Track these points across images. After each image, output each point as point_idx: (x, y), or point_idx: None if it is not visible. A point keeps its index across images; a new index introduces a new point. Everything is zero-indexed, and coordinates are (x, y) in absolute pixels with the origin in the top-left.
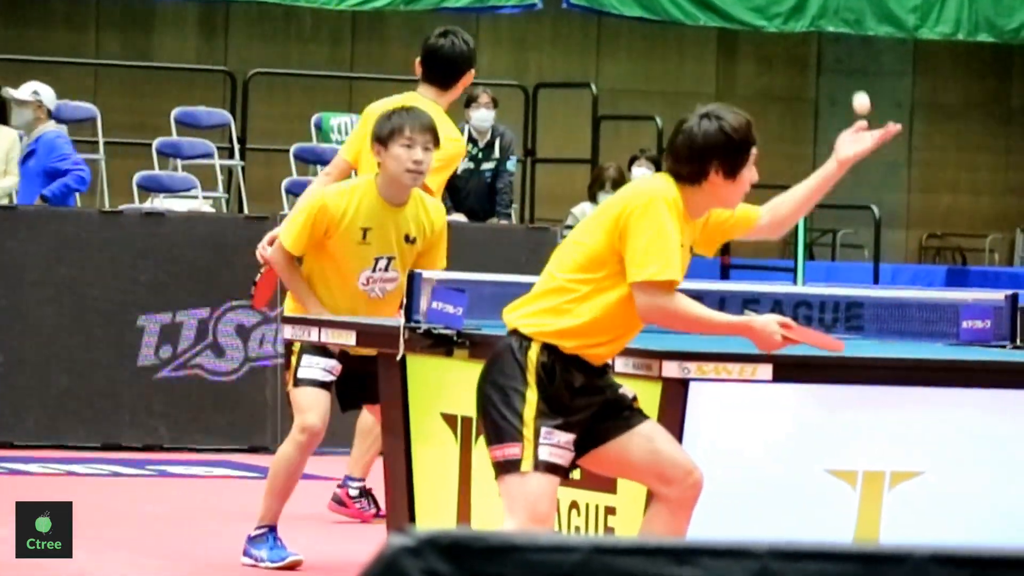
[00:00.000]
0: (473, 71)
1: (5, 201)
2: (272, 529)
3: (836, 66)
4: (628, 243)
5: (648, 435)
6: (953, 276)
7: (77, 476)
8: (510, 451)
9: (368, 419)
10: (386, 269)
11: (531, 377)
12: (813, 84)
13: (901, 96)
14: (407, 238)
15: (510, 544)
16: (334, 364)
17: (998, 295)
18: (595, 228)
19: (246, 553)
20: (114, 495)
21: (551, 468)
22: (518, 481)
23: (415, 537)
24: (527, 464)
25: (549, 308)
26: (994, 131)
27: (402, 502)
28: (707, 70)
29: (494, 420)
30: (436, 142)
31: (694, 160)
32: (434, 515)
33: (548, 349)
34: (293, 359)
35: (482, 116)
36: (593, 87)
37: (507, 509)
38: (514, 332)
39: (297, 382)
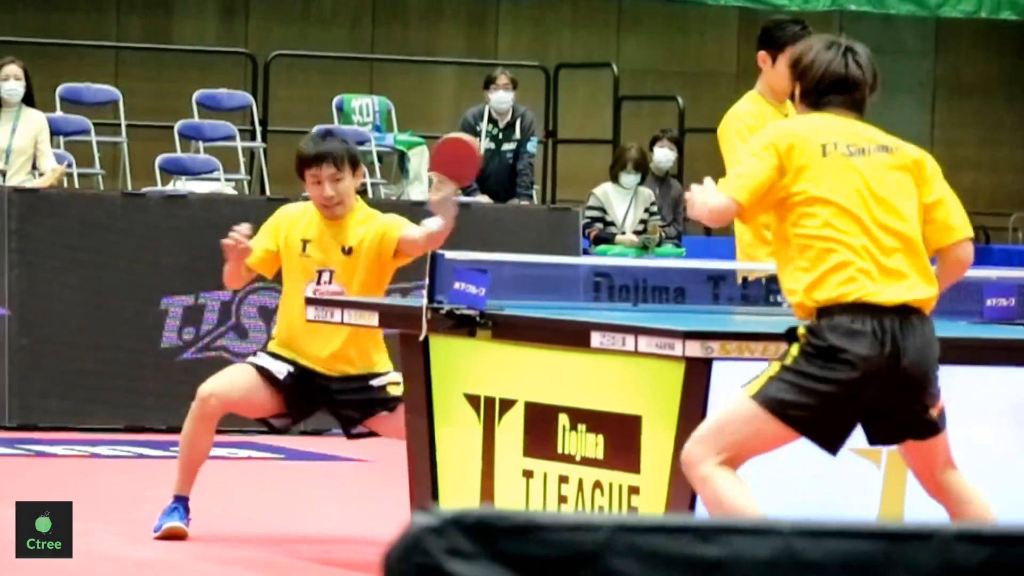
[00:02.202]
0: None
1: (50, 181)
2: (177, 499)
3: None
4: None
5: None
6: (976, 255)
7: (101, 458)
8: (942, 399)
9: None
10: (329, 282)
11: None
12: None
13: (923, 75)
14: (343, 249)
15: (534, 523)
16: (283, 366)
17: (1022, 273)
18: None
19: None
20: (138, 477)
21: None
22: None
23: (439, 516)
24: None
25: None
26: (1017, 109)
27: (425, 482)
28: (728, 50)
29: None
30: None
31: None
32: (457, 495)
33: None
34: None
35: (500, 98)
36: (614, 67)
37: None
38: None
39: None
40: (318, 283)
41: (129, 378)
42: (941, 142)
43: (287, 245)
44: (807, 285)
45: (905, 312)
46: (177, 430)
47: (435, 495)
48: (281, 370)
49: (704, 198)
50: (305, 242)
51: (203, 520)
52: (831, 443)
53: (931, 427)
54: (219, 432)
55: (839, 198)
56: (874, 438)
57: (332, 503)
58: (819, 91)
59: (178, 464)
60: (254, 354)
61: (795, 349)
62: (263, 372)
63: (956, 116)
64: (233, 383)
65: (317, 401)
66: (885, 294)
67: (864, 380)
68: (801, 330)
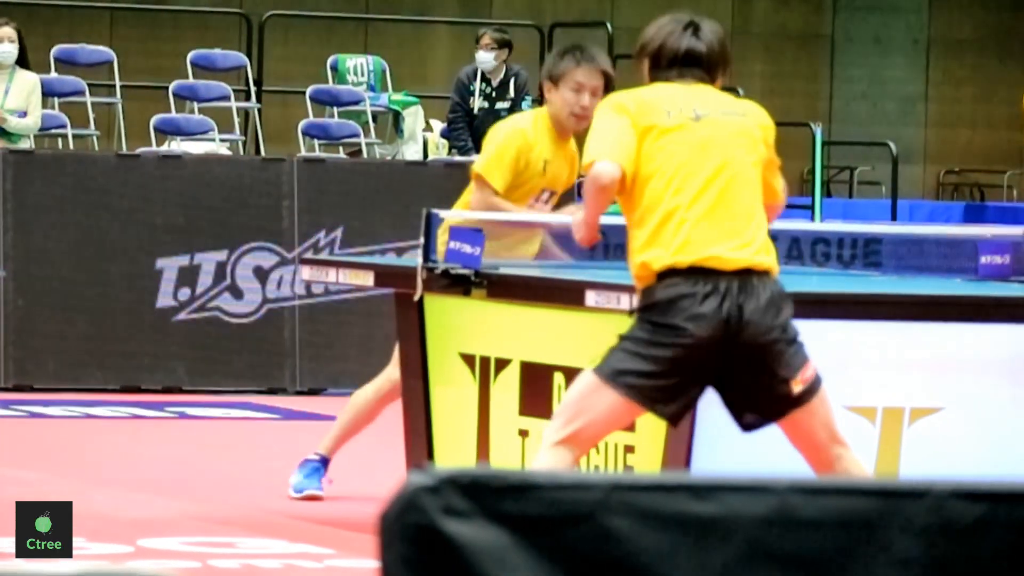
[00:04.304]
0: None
1: (25, 144)
2: (322, 460)
3: (852, 3)
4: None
5: None
6: (971, 212)
7: (97, 419)
8: (810, 372)
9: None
10: (547, 201)
11: None
12: (829, 21)
13: (917, 32)
14: (567, 172)
15: (529, 482)
16: None
17: (1017, 230)
18: (759, 148)
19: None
20: (134, 437)
21: None
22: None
23: (434, 475)
24: None
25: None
26: (1011, 66)
27: (421, 442)
28: (723, 8)
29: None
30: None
31: None
32: (453, 455)
33: None
34: None
35: (482, 58)
36: (609, 26)
37: (832, 416)
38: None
39: None
40: (536, 200)
41: (125, 339)
42: (936, 99)
43: (528, 166)
44: (643, 249)
45: (745, 274)
46: (173, 390)
47: (431, 455)
48: None
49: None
50: (546, 162)
51: (199, 480)
52: (669, 412)
53: (793, 402)
54: (213, 392)
55: (681, 162)
56: (739, 420)
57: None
58: (659, 65)
59: (339, 427)
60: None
61: (633, 318)
62: None
63: (950, 74)
64: None
65: None
66: (724, 257)
67: (698, 344)
68: (638, 295)
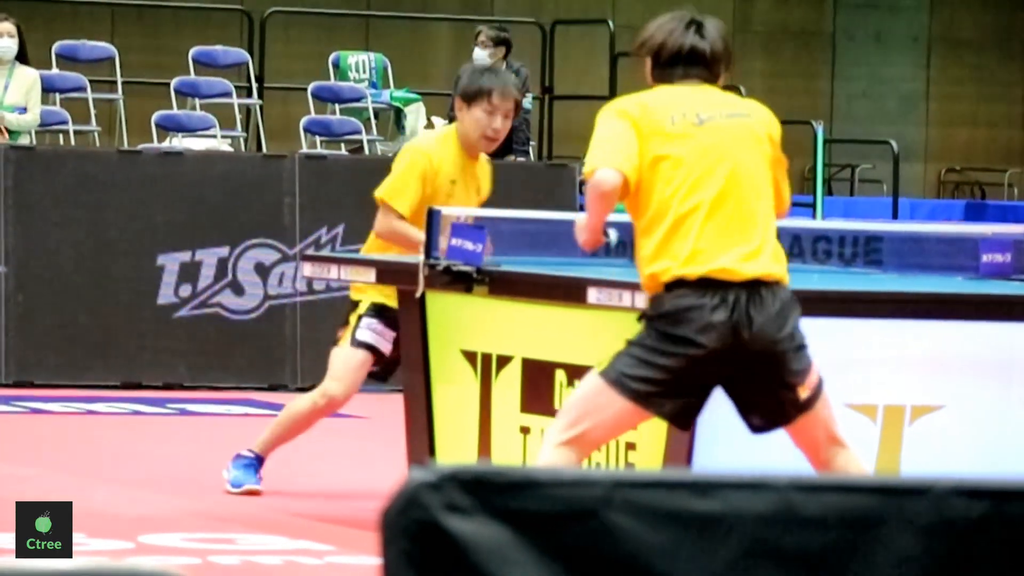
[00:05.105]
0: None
1: (26, 140)
2: (257, 459)
3: (853, 0)
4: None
5: None
6: (972, 210)
7: (97, 415)
8: (815, 376)
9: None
10: None
11: None
12: (830, 18)
13: (918, 30)
14: (478, 191)
15: (531, 479)
16: (389, 336)
17: (1017, 228)
18: (765, 148)
19: (228, 467)
20: (135, 434)
21: None
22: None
23: (436, 472)
24: None
25: None
26: (1012, 64)
27: (422, 438)
28: (724, 5)
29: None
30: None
31: None
32: (454, 451)
33: None
34: (353, 319)
35: (477, 55)
36: (610, 24)
37: (836, 419)
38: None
39: (352, 342)
40: None
41: (126, 335)
42: (936, 98)
43: (435, 189)
44: (652, 259)
45: (754, 285)
46: (173, 387)
47: (432, 451)
48: (387, 345)
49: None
50: (453, 183)
51: (200, 476)
52: (677, 419)
53: (801, 407)
54: (214, 389)
55: (687, 169)
56: (748, 422)
57: (329, 460)
58: (662, 64)
59: (274, 431)
60: (357, 318)
61: (641, 324)
62: (373, 350)
63: (951, 72)
64: (357, 381)
65: None
66: (733, 269)
67: (707, 355)
68: (647, 303)
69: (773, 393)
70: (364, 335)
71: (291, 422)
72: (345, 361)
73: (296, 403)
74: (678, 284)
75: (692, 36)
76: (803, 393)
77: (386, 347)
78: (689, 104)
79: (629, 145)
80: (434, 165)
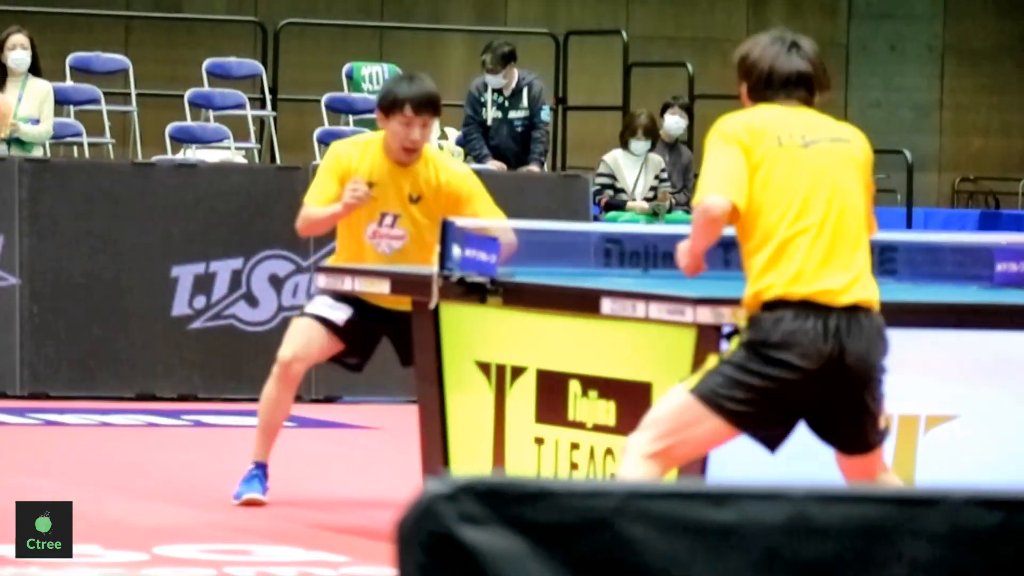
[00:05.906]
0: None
1: (40, 153)
2: (257, 466)
3: (867, 10)
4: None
5: None
6: (986, 220)
7: (112, 427)
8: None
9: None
10: (392, 225)
11: None
12: (844, 29)
13: (932, 40)
14: (411, 197)
15: (546, 490)
16: (345, 308)
17: None
18: (863, 175)
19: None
20: (149, 445)
21: None
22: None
23: (451, 483)
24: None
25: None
26: None
27: (437, 449)
28: (738, 16)
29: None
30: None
31: None
32: (469, 462)
33: None
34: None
35: (489, 80)
36: (624, 34)
37: (885, 466)
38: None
39: (301, 315)
40: (379, 225)
41: (140, 347)
42: (950, 107)
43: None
44: (760, 276)
45: (853, 310)
46: (188, 398)
47: (446, 462)
48: (341, 317)
49: (687, 240)
50: (372, 184)
51: (215, 488)
52: (769, 439)
53: (880, 437)
54: (228, 400)
55: (794, 191)
56: (831, 445)
57: (343, 470)
58: (765, 87)
59: (257, 430)
60: (309, 297)
61: (735, 343)
62: (325, 322)
63: (965, 81)
64: (309, 342)
65: (378, 337)
66: (834, 292)
67: (804, 377)
68: (743, 323)
69: (857, 421)
70: (312, 307)
71: (266, 411)
72: (291, 328)
73: (264, 396)
74: (780, 304)
75: (796, 59)
76: (882, 423)
77: (338, 317)
78: (795, 126)
79: (738, 171)
80: (351, 166)
